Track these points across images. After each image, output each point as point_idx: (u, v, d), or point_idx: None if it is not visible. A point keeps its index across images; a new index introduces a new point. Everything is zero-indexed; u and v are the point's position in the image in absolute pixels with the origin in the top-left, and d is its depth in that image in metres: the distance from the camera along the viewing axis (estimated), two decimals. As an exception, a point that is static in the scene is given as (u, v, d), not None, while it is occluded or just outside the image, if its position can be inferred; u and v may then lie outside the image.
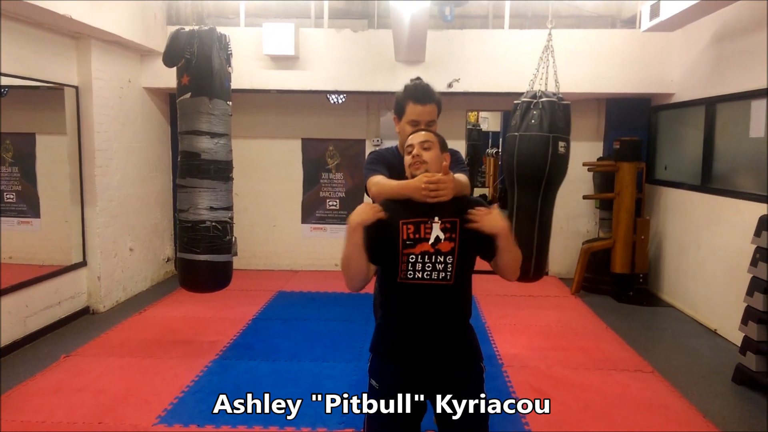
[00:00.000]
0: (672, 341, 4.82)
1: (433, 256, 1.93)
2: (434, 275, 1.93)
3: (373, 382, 2.06)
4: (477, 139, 11.93)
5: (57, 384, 3.78)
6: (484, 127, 13.49)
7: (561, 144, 3.85)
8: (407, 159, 2.05)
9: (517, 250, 2.00)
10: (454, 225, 1.95)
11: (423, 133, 2.08)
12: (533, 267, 4.03)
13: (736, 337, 4.29)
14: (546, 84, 4.16)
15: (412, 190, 1.99)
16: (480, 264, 2.04)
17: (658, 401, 3.64)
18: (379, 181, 2.20)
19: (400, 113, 2.39)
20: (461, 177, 2.17)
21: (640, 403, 3.61)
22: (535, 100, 3.86)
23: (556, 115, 3.82)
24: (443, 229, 1.94)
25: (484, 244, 1.99)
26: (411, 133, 2.11)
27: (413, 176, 2.00)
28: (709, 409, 3.53)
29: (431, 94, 2.34)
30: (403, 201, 2.02)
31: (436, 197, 1.93)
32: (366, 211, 1.93)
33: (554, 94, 3.91)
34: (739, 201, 4.64)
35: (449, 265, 1.93)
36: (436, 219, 1.95)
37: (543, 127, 3.81)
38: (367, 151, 6.93)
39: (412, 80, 2.44)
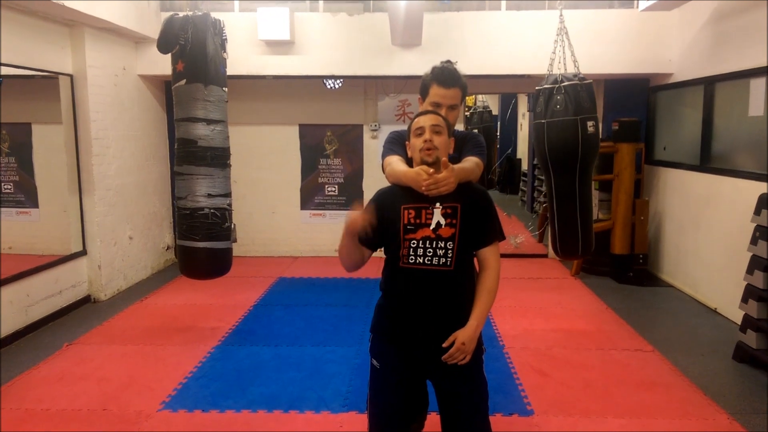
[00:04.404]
0: (672, 320, 4.84)
1: (434, 242, 1.92)
2: (435, 261, 1.92)
3: (375, 362, 2.08)
4: (489, 121, 11.59)
5: (60, 372, 3.80)
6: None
7: (590, 124, 3.84)
8: (417, 142, 1.98)
9: (494, 294, 2.02)
10: (455, 210, 1.93)
11: (432, 115, 2.01)
12: (581, 246, 4.08)
13: (737, 316, 4.31)
14: (565, 66, 4.14)
15: (410, 181, 1.96)
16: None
17: (659, 380, 3.67)
18: (391, 162, 2.17)
19: (424, 94, 2.34)
20: (472, 161, 2.14)
21: (640, 382, 3.63)
22: (557, 85, 3.85)
23: (580, 96, 3.82)
24: (444, 215, 1.92)
25: (481, 235, 1.99)
26: (419, 115, 2.05)
27: (423, 161, 1.94)
28: (709, 387, 3.56)
29: (456, 78, 2.28)
30: (407, 186, 1.99)
31: (436, 192, 1.91)
32: (355, 221, 1.86)
33: (575, 76, 3.89)
34: (739, 180, 4.64)
35: (450, 251, 1.92)
36: (438, 204, 1.93)
37: (569, 111, 3.80)
38: (365, 137, 6.91)
39: (441, 62, 2.37)
